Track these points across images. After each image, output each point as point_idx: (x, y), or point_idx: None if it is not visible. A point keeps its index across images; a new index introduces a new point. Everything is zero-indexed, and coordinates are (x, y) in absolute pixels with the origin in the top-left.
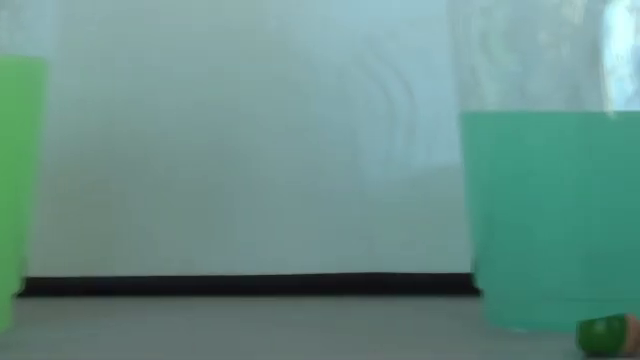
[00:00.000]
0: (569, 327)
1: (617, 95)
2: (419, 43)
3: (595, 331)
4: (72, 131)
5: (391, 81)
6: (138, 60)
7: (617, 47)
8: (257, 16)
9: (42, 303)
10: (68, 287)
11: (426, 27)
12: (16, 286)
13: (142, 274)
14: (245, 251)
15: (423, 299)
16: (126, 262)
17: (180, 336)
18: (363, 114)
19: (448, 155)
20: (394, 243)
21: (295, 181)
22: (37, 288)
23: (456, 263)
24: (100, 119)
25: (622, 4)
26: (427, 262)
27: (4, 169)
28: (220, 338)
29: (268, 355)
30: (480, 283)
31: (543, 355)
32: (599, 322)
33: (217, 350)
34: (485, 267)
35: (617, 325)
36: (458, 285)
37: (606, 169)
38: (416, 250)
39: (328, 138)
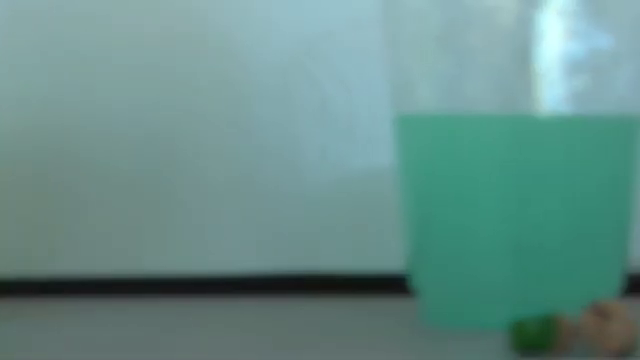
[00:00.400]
0: (501, 326)
1: (548, 98)
2: (357, 45)
3: (527, 331)
4: (9, 130)
5: (329, 83)
6: (77, 59)
7: (548, 51)
8: (198, 17)
9: None
10: None
11: (364, 29)
12: None
13: (73, 274)
14: (183, 251)
15: (359, 299)
16: (56, 262)
17: (117, 337)
18: (302, 115)
19: (385, 156)
20: (331, 243)
21: (233, 181)
22: None
23: (393, 263)
24: (38, 117)
25: (553, 9)
26: (364, 262)
27: None
28: (154, 338)
29: (205, 355)
30: (415, 283)
31: (475, 354)
32: (531, 322)
33: (149, 350)
34: (419, 267)
35: (548, 325)
36: (395, 285)
37: (537, 169)
38: (352, 250)
39: (267, 138)
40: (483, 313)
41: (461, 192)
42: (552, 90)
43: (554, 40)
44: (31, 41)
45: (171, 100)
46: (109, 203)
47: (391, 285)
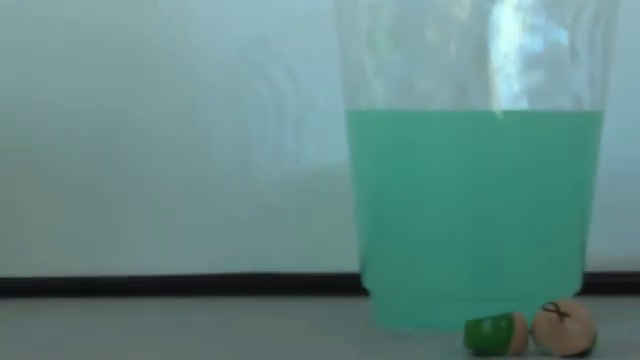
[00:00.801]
0: (457, 326)
1: (504, 93)
2: (309, 41)
3: (482, 330)
4: None
5: (280, 79)
6: (24, 58)
7: (504, 46)
8: (146, 14)
9: None
10: None
11: (316, 25)
12: None
13: (26, 275)
14: (133, 251)
15: (313, 299)
16: (4, 263)
17: (65, 337)
18: (253, 112)
19: (337, 153)
20: (284, 242)
21: (184, 180)
22: None
23: (346, 263)
24: None
25: (509, 3)
26: (317, 262)
27: None
28: (101, 339)
29: (157, 355)
30: (368, 283)
31: (430, 354)
32: (486, 321)
33: (95, 351)
34: (373, 267)
35: (504, 324)
36: (348, 285)
37: (493, 168)
38: (306, 250)
39: (218, 137)
40: (438, 313)
41: (415, 190)
42: (508, 85)
43: (510, 35)
44: None
45: (120, 99)
46: (58, 204)
47: (345, 285)
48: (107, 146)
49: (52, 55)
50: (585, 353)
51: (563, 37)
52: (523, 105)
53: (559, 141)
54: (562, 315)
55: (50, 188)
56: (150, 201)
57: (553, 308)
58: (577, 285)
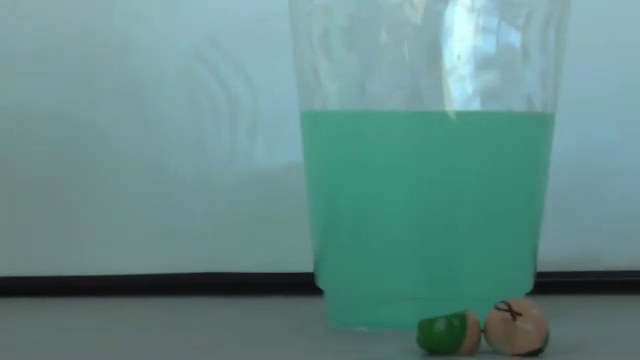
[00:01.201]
0: (410, 325)
1: (457, 95)
2: (263, 41)
3: (435, 329)
4: None
5: (234, 80)
6: None
7: (457, 47)
8: (101, 15)
9: None
10: None
11: (270, 25)
12: None
13: None
14: (87, 251)
15: (267, 299)
16: None
17: (27, 337)
18: (206, 113)
19: (291, 154)
20: (238, 242)
21: (138, 180)
22: None
23: (301, 262)
24: None
25: (462, 5)
26: (271, 261)
27: None
28: (58, 338)
29: (112, 354)
30: (321, 283)
31: (383, 354)
32: (440, 321)
33: (53, 350)
34: (325, 267)
35: (457, 323)
36: (303, 284)
37: (445, 169)
38: (260, 249)
39: (171, 136)
40: (392, 313)
41: (369, 190)
42: (461, 87)
43: (463, 36)
44: None
45: (74, 100)
46: (14, 205)
47: (300, 285)
48: (60, 148)
49: (5, 56)
50: (537, 352)
51: (515, 39)
52: (476, 106)
53: (511, 142)
54: (514, 314)
55: (5, 187)
56: (104, 201)
57: (505, 307)
58: (529, 285)
